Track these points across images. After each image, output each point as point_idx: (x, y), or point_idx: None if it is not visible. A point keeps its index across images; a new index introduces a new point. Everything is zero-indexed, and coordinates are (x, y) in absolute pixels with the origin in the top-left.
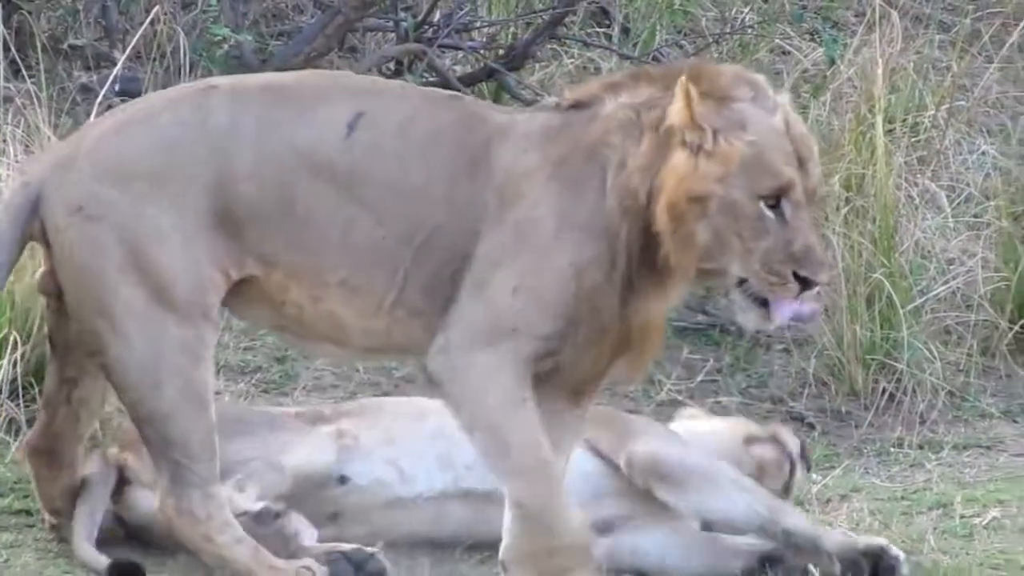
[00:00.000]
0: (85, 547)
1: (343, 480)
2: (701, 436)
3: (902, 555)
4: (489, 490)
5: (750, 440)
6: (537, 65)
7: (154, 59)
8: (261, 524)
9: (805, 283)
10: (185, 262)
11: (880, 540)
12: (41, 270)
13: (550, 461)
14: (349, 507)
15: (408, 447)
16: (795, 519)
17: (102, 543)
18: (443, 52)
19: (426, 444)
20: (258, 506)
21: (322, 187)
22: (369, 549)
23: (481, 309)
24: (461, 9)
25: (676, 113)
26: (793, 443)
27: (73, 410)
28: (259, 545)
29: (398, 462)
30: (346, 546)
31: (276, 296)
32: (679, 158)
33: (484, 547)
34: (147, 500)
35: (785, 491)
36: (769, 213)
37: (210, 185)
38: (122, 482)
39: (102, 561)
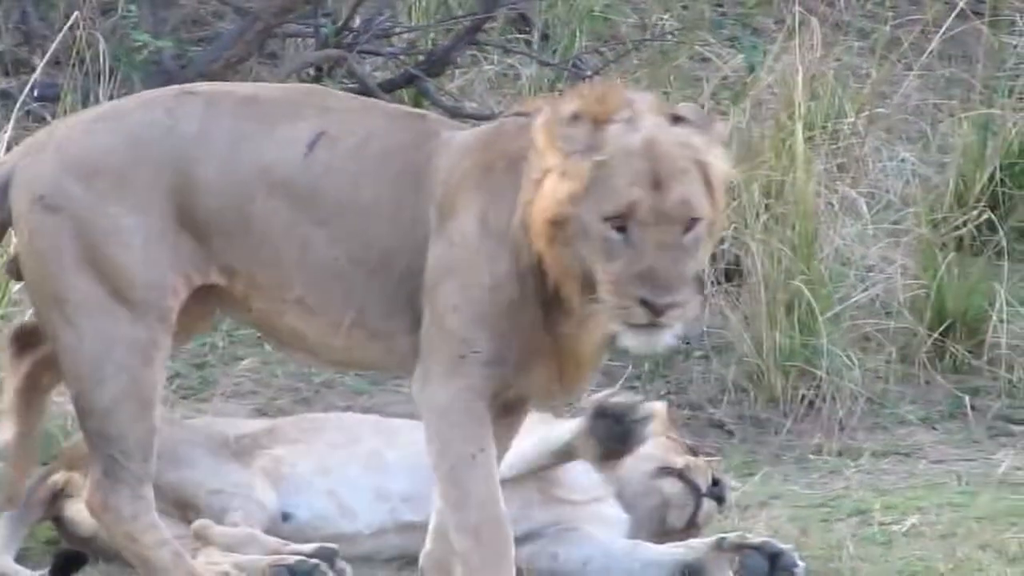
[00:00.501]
0: (5, 560)
1: (286, 518)
2: None
3: None
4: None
5: (661, 472)
6: (457, 71)
7: (73, 64)
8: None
9: (649, 307)
10: (145, 264)
11: None
12: (9, 255)
13: (503, 521)
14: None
15: (344, 476)
16: None
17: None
18: (363, 58)
19: (361, 473)
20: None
21: (280, 204)
22: (312, 560)
23: (435, 333)
24: (381, 15)
25: (536, 136)
26: (703, 480)
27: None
28: (181, 551)
29: (336, 494)
30: (291, 558)
31: (242, 304)
32: (547, 180)
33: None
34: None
35: (690, 526)
36: (615, 235)
37: (174, 190)
38: (60, 498)
39: (19, 574)
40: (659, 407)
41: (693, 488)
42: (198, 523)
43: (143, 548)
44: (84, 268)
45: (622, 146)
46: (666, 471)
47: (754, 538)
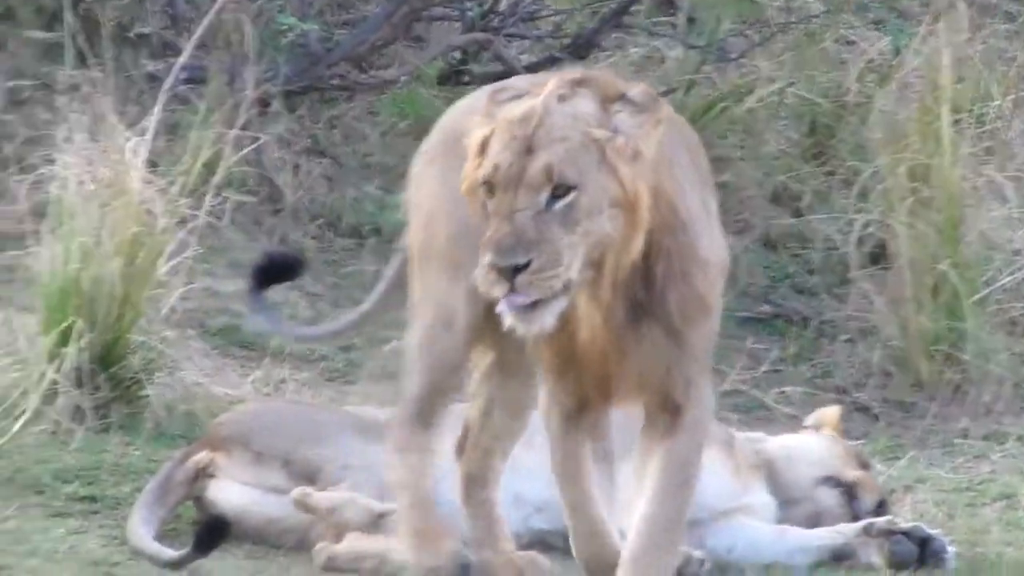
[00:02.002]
0: (140, 534)
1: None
2: (788, 451)
3: None
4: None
5: (826, 481)
6: (603, 54)
7: (220, 48)
8: None
9: (497, 271)
10: None
11: None
12: None
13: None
14: None
15: None
16: None
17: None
18: (509, 41)
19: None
20: None
21: None
22: None
23: None
24: None
25: None
26: (869, 499)
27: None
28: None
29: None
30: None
31: None
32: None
33: None
34: (236, 495)
35: None
36: (487, 200)
37: None
38: (202, 478)
39: (161, 552)
40: (832, 412)
41: (852, 508)
42: (297, 490)
43: None
44: None
45: (505, 116)
46: (831, 481)
47: (903, 523)
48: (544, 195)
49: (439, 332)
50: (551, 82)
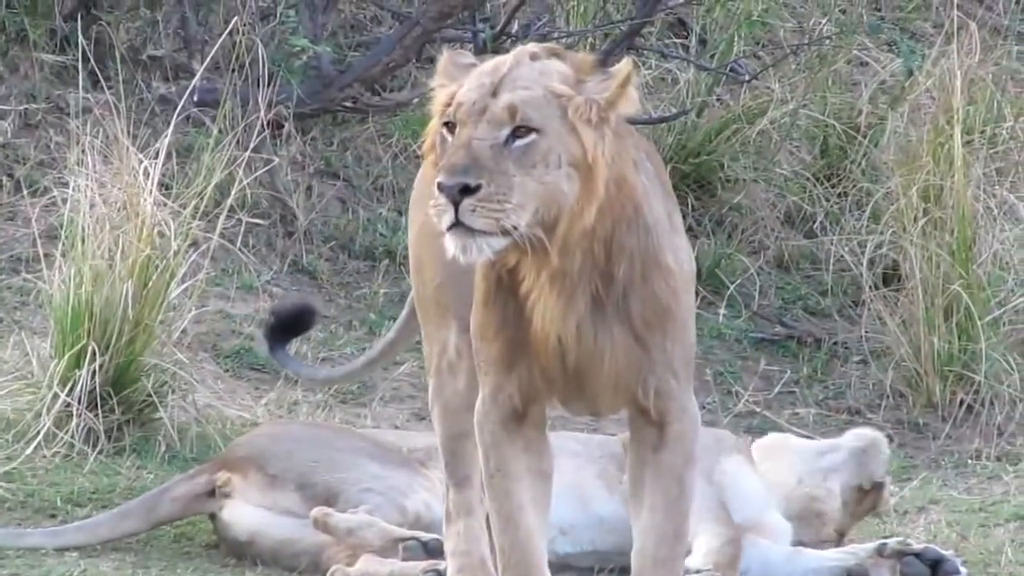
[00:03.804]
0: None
1: None
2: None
3: None
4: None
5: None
6: None
7: (233, 70)
8: (428, 552)
9: (444, 191)
10: None
11: None
12: None
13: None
14: None
15: None
16: None
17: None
18: None
19: None
20: (428, 536)
21: None
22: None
23: None
24: (539, 20)
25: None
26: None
27: None
28: None
29: None
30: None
31: None
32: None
33: None
34: (249, 516)
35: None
36: (446, 135)
37: None
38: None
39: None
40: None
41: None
42: (317, 510)
43: None
44: None
45: (475, 71)
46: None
47: (915, 544)
48: (505, 131)
49: (446, 379)
50: (528, 45)
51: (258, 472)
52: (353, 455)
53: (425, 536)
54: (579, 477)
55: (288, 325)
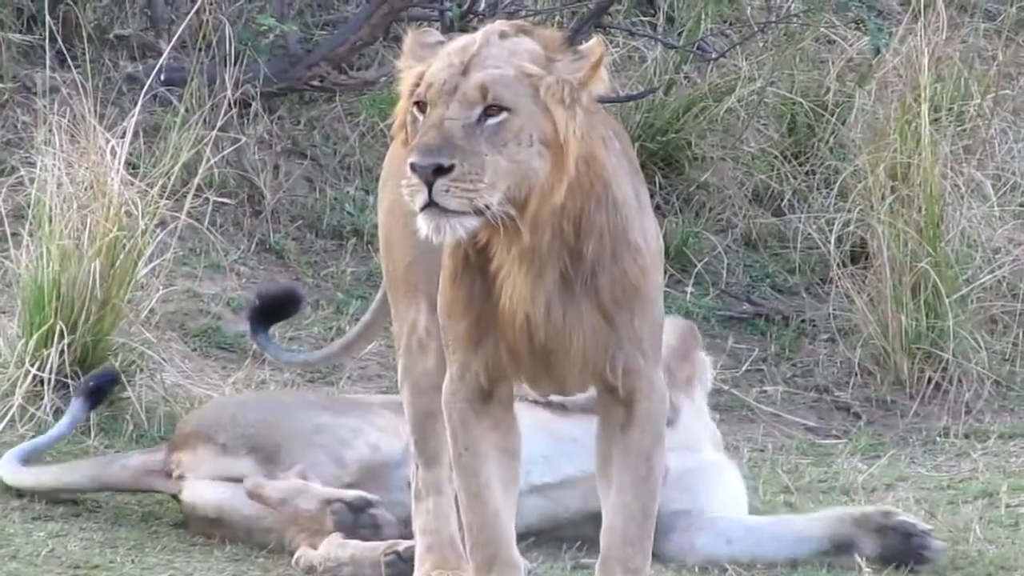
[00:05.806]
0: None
1: None
2: None
3: None
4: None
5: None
6: None
7: (200, 49)
8: (354, 512)
9: (416, 172)
10: None
11: None
12: None
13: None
14: None
15: None
16: None
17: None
18: None
19: None
20: (352, 494)
21: None
22: (371, 497)
23: None
24: None
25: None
26: None
27: None
28: None
29: None
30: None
31: None
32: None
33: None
34: (210, 490)
35: None
36: (417, 115)
37: None
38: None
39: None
40: None
41: None
42: (248, 480)
43: None
44: None
45: (443, 50)
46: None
47: (898, 516)
48: (477, 110)
49: (415, 358)
50: (496, 23)
51: (207, 444)
52: (302, 409)
53: (349, 495)
54: (535, 417)
55: (272, 309)
